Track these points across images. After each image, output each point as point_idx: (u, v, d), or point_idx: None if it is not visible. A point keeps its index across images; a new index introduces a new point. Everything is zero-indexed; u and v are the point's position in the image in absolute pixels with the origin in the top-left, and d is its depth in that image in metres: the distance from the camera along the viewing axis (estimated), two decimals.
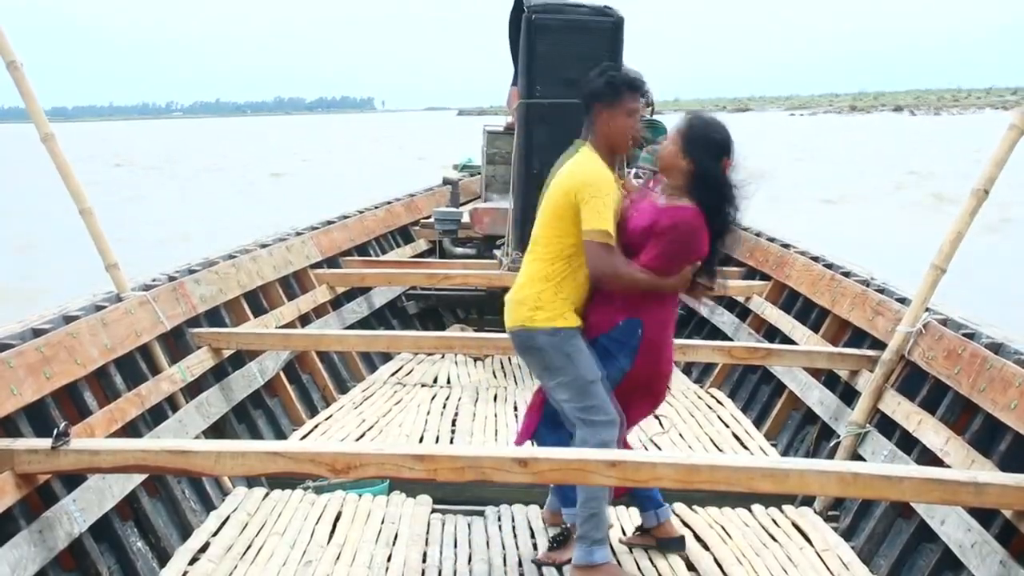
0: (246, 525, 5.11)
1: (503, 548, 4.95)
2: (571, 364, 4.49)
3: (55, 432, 4.08)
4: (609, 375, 4.49)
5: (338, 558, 4.78)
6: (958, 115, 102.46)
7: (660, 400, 4.76)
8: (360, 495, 5.48)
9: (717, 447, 6.36)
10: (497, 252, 9.16)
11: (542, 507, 5.34)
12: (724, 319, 8.63)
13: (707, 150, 4.38)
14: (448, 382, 7.94)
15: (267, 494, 5.48)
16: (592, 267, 4.43)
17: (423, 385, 7.81)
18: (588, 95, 4.61)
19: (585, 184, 4.42)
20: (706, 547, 4.93)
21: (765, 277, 8.38)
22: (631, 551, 4.90)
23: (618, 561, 4.73)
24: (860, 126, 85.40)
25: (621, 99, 4.53)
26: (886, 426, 5.50)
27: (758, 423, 7.00)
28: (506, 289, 9.02)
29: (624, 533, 5.07)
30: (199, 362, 6.11)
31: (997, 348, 4.84)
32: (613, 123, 4.55)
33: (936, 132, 69.31)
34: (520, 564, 4.80)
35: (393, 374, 8.20)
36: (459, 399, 7.35)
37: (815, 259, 7.60)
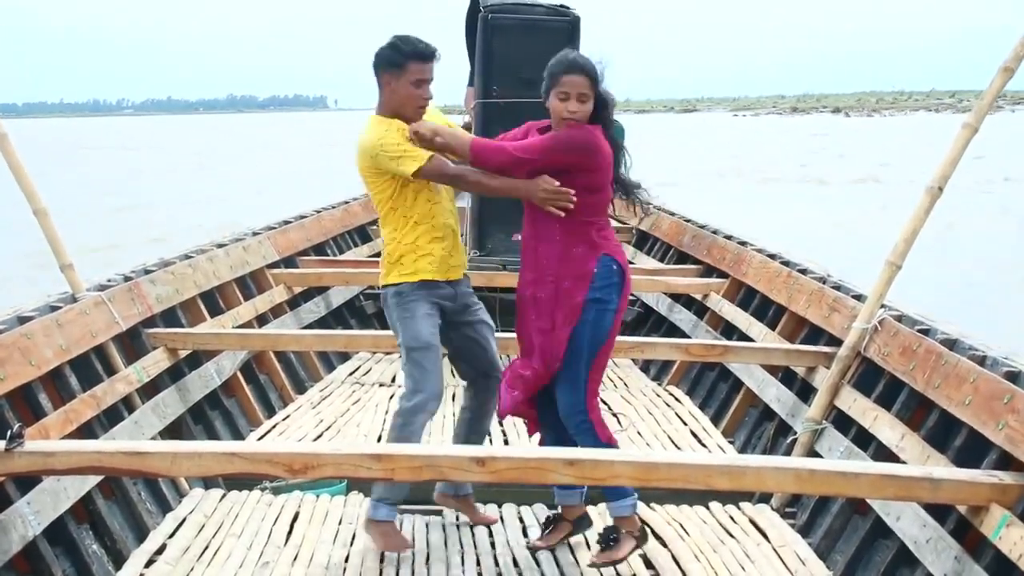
0: (203, 526, 5.09)
1: (461, 547, 4.94)
2: (399, 326, 4.78)
3: (9, 434, 4.02)
4: (606, 326, 4.51)
5: (295, 559, 4.76)
6: (889, 116, 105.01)
7: None
8: (318, 495, 5.46)
9: (675, 445, 6.39)
10: None
11: (500, 506, 5.36)
12: (681, 317, 8.66)
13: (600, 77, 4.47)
14: None
15: (224, 495, 5.45)
16: (449, 182, 4.71)
17: (381, 384, 7.79)
18: (375, 63, 4.65)
19: (374, 155, 4.60)
20: (664, 544, 4.96)
21: (722, 275, 8.41)
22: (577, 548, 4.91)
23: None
24: (788, 126, 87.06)
25: (406, 67, 4.57)
26: (842, 422, 5.54)
27: (716, 420, 7.03)
28: None
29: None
30: (155, 363, 6.06)
31: (952, 344, 4.88)
32: (399, 92, 4.61)
33: (851, 132, 70.46)
34: (478, 563, 4.80)
35: (351, 374, 8.18)
36: None
37: (772, 256, 7.64)
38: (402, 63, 4.57)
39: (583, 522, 4.98)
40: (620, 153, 4.63)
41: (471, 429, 5.10)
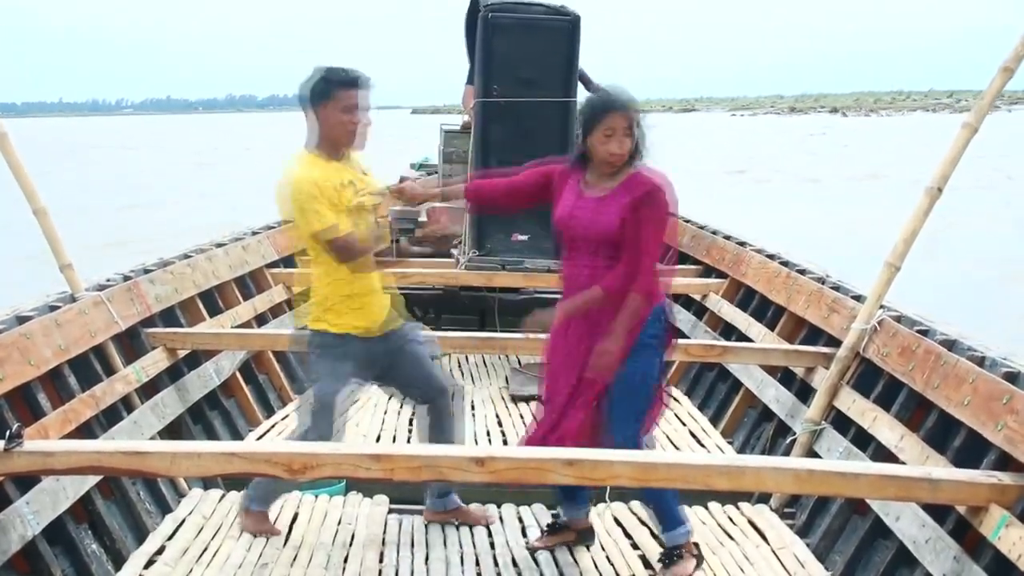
0: (202, 527, 5.08)
1: (460, 547, 4.94)
2: (314, 371, 4.85)
3: (8, 434, 4.02)
4: (653, 375, 4.51)
5: (294, 560, 4.76)
6: (886, 117, 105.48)
7: None
8: (316, 496, 5.46)
9: (674, 445, 6.38)
10: (454, 251, 9.15)
11: (499, 506, 5.35)
12: (681, 317, 8.64)
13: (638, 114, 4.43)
14: None
15: (223, 495, 5.45)
16: (344, 262, 4.69)
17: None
18: (302, 97, 4.68)
19: (290, 198, 4.61)
20: (663, 544, 4.95)
21: (721, 275, 8.41)
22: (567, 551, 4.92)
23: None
24: (785, 126, 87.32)
25: (334, 95, 4.61)
26: (841, 423, 5.54)
27: (715, 421, 7.03)
28: (464, 288, 9.02)
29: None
30: (154, 362, 6.06)
31: (951, 345, 4.88)
32: (330, 119, 4.64)
33: (848, 131, 70.73)
34: (477, 563, 4.80)
35: None
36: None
37: (771, 257, 7.64)
38: (330, 92, 4.61)
39: (588, 535, 4.98)
40: None
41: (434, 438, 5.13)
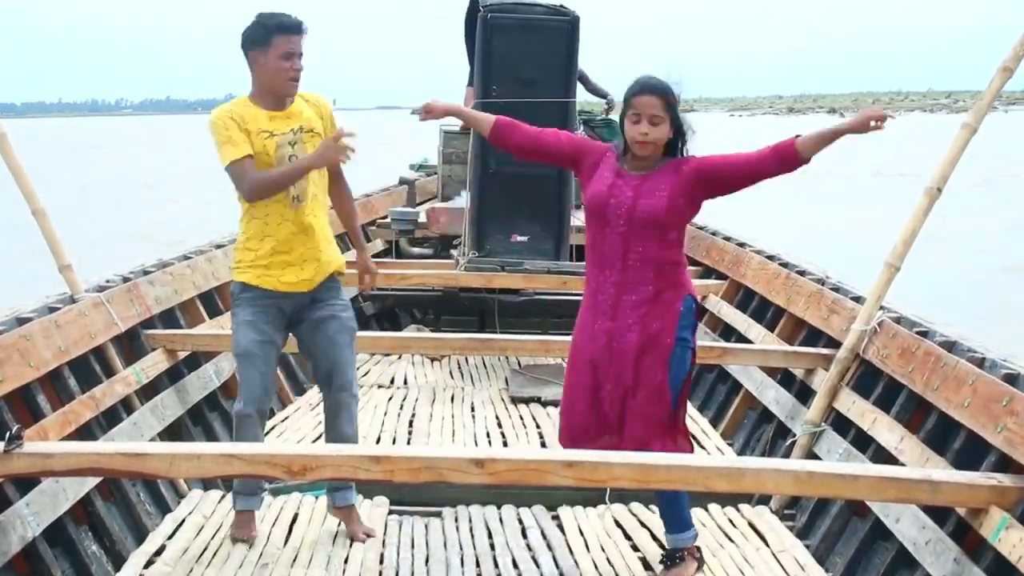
0: (202, 528, 5.08)
1: (460, 549, 4.94)
2: (233, 323, 4.86)
3: (7, 435, 4.02)
4: (687, 364, 4.50)
5: (295, 560, 4.76)
6: None
7: None
8: (316, 497, 5.46)
9: None
10: (454, 252, 9.15)
11: (499, 508, 5.35)
12: None
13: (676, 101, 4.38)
14: (405, 383, 7.90)
15: (223, 496, 5.45)
16: (243, 193, 4.64)
17: (380, 386, 7.77)
18: (242, 43, 4.62)
19: (208, 128, 4.59)
20: (663, 546, 4.95)
21: (721, 276, 8.41)
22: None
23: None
24: (782, 127, 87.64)
25: (271, 41, 4.54)
26: (841, 425, 5.54)
27: (714, 422, 7.03)
28: (463, 289, 9.01)
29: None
30: (154, 364, 6.06)
31: (951, 346, 4.88)
32: (268, 67, 4.58)
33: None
34: (478, 564, 4.80)
35: None
36: (416, 400, 7.33)
37: (770, 258, 7.64)
38: (267, 38, 4.55)
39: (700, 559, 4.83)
40: None
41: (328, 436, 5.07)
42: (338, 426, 4.95)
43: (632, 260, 4.32)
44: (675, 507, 4.67)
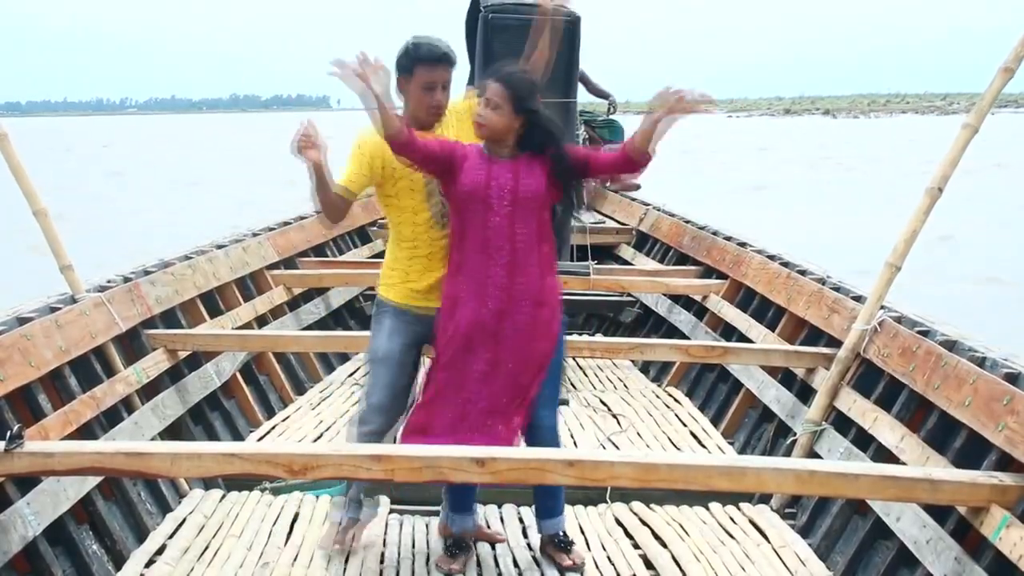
0: (203, 527, 5.09)
1: None
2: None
3: (8, 434, 4.02)
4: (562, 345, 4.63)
5: (295, 559, 4.76)
6: (875, 119, 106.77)
7: None
8: (318, 496, 5.46)
9: (675, 446, 6.38)
10: None
11: (500, 507, 5.35)
12: (681, 318, 8.65)
13: (534, 96, 4.48)
14: None
15: (224, 496, 5.45)
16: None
17: None
18: (395, 66, 4.55)
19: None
20: (664, 545, 4.96)
21: (722, 276, 8.41)
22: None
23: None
24: (779, 128, 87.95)
25: (414, 71, 4.51)
26: (842, 424, 5.53)
27: (715, 421, 7.03)
28: None
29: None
30: (155, 364, 6.06)
31: (951, 346, 4.88)
32: (412, 96, 4.55)
33: (833, 134, 71.10)
34: (478, 564, 4.80)
35: (351, 375, 8.16)
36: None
37: (771, 257, 7.63)
38: (409, 67, 4.50)
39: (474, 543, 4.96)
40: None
41: None
42: None
43: (521, 243, 4.40)
44: (554, 493, 4.74)
